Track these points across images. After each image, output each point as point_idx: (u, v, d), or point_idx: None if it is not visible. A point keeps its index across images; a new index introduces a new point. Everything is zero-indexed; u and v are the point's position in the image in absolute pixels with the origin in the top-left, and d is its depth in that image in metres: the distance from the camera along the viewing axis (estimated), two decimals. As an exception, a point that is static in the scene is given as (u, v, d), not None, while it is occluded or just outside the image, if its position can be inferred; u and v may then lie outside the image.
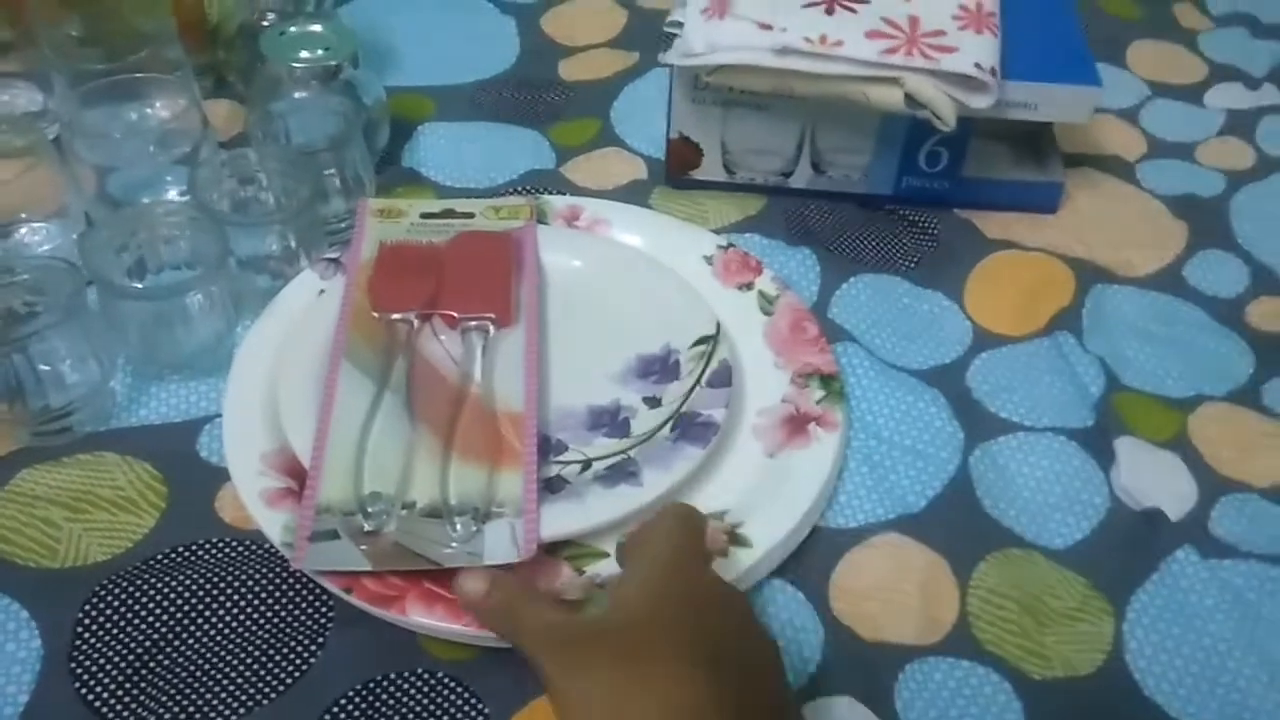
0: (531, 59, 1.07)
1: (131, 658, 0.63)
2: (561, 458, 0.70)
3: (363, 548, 0.63)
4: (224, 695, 0.62)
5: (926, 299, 0.85)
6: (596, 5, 1.14)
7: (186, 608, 0.65)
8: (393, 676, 0.63)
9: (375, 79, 0.93)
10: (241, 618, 0.65)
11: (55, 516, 0.69)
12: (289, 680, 0.63)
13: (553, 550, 0.65)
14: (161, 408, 0.76)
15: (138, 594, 0.65)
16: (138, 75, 0.86)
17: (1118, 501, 0.73)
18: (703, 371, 0.74)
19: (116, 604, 0.65)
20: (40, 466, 0.72)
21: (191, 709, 0.61)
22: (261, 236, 0.80)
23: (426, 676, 0.63)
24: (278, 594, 0.66)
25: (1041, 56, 0.85)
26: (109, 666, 0.63)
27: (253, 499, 0.67)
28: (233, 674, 0.63)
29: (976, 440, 0.76)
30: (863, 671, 0.64)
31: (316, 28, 0.89)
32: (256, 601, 0.66)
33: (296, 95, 0.87)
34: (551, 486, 0.68)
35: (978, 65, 0.80)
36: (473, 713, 0.62)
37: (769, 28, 0.81)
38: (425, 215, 0.83)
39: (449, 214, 0.83)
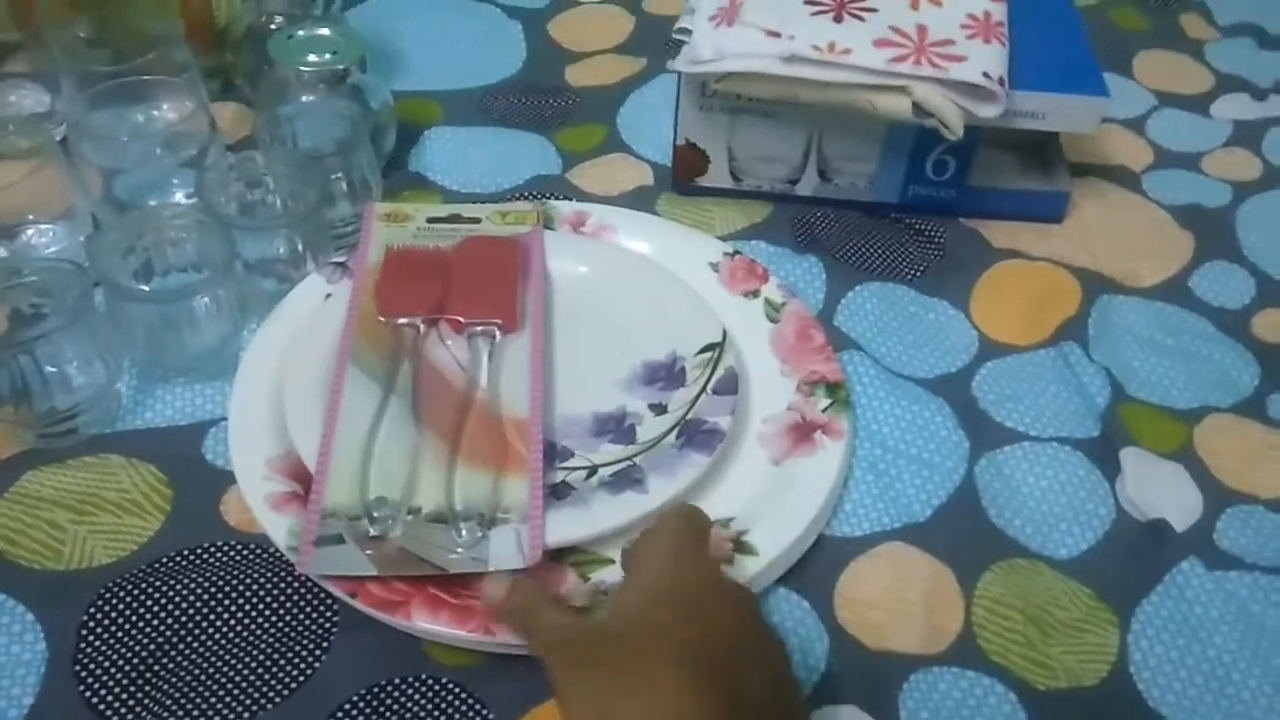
0: (538, 64, 1.07)
1: (136, 661, 0.63)
2: (567, 464, 0.70)
3: (368, 553, 0.63)
4: (228, 699, 0.62)
5: (932, 308, 0.85)
6: (604, 11, 1.14)
7: (191, 611, 0.65)
8: (397, 681, 0.63)
9: (382, 83, 0.93)
10: (246, 622, 0.65)
11: (60, 519, 0.69)
12: (293, 685, 0.63)
13: (558, 557, 0.65)
14: (167, 410, 0.76)
15: (142, 597, 0.65)
16: (145, 77, 0.86)
17: (1123, 512, 0.73)
18: (709, 379, 0.74)
19: (121, 607, 0.65)
20: (45, 468, 0.72)
21: (195, 713, 0.61)
22: (268, 240, 0.80)
23: (431, 682, 0.63)
24: (282, 598, 0.66)
25: (1049, 66, 0.85)
26: (113, 669, 0.63)
27: (258, 503, 0.67)
28: (237, 678, 0.63)
29: (982, 450, 0.76)
30: (867, 680, 0.64)
31: (324, 31, 0.90)
32: (261, 606, 0.66)
33: (304, 99, 0.87)
34: (557, 493, 0.68)
35: (986, 74, 0.80)
36: (476, 719, 0.62)
37: (777, 35, 0.81)
38: (432, 220, 0.83)
39: (455, 219, 0.83)
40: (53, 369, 0.71)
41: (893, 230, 0.91)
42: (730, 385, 0.74)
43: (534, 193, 0.92)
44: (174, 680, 0.62)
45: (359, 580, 0.63)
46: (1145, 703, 0.64)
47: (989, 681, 0.65)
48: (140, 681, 0.62)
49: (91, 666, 0.63)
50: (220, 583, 0.66)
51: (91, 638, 0.64)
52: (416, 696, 0.62)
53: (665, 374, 0.76)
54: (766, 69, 0.81)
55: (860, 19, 0.83)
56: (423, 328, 0.74)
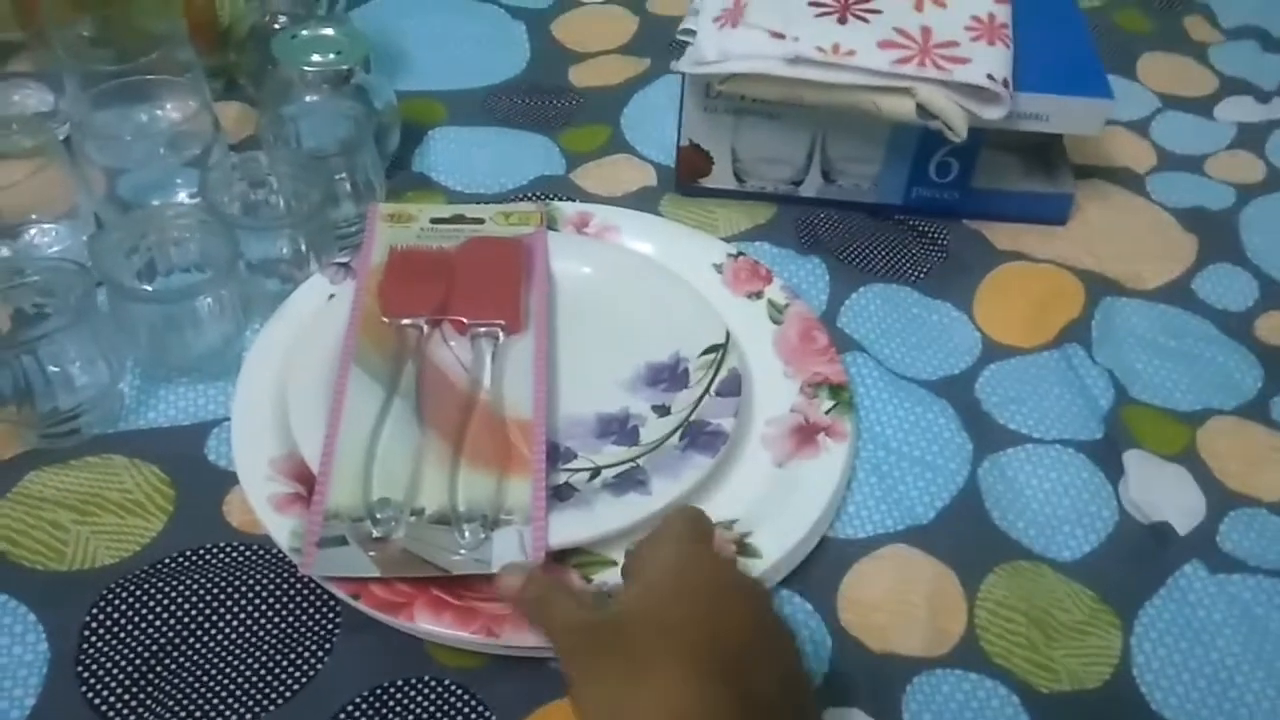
0: (542, 65, 1.07)
1: (138, 662, 0.63)
2: (570, 465, 0.70)
3: (371, 554, 0.63)
4: (230, 700, 0.62)
5: (936, 309, 0.85)
6: (607, 11, 1.14)
7: (194, 612, 0.65)
8: (400, 683, 0.63)
9: (386, 83, 0.93)
10: (249, 623, 0.65)
11: (63, 519, 0.69)
12: (296, 686, 0.63)
13: (561, 558, 0.65)
14: (170, 411, 0.76)
15: (145, 598, 0.65)
16: (149, 77, 0.86)
17: (1126, 515, 0.73)
18: (712, 380, 0.74)
19: (123, 608, 0.65)
20: (48, 469, 0.72)
21: (198, 714, 0.61)
22: (272, 240, 0.80)
23: (433, 683, 0.63)
24: (285, 599, 0.66)
25: (1053, 68, 0.85)
26: (115, 670, 0.63)
27: (261, 503, 0.67)
28: (239, 679, 0.63)
29: (985, 452, 0.76)
30: (871, 683, 0.64)
31: (328, 31, 0.90)
32: (264, 607, 0.66)
33: (308, 99, 0.87)
34: (560, 494, 0.68)
35: (990, 76, 0.80)
36: (479, 720, 0.62)
37: (781, 37, 0.81)
38: (435, 220, 0.83)
39: (459, 219, 0.83)
40: (55, 369, 0.71)
41: (896, 232, 0.91)
42: (733, 387, 0.73)
43: (537, 193, 0.92)
44: (176, 681, 0.62)
45: (362, 581, 0.63)
46: (1148, 705, 0.64)
47: (992, 684, 0.64)
48: (142, 682, 0.62)
49: (94, 667, 0.63)
50: (223, 584, 0.66)
51: (94, 638, 0.64)
52: (419, 698, 0.62)
53: (668, 375, 0.76)
54: (771, 70, 0.81)
55: (864, 20, 0.83)
56: (426, 328, 0.74)
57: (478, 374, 0.72)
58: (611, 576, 0.65)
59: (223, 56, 0.98)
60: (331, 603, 0.66)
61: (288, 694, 0.62)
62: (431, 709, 0.62)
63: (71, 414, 0.72)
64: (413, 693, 0.63)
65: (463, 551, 0.63)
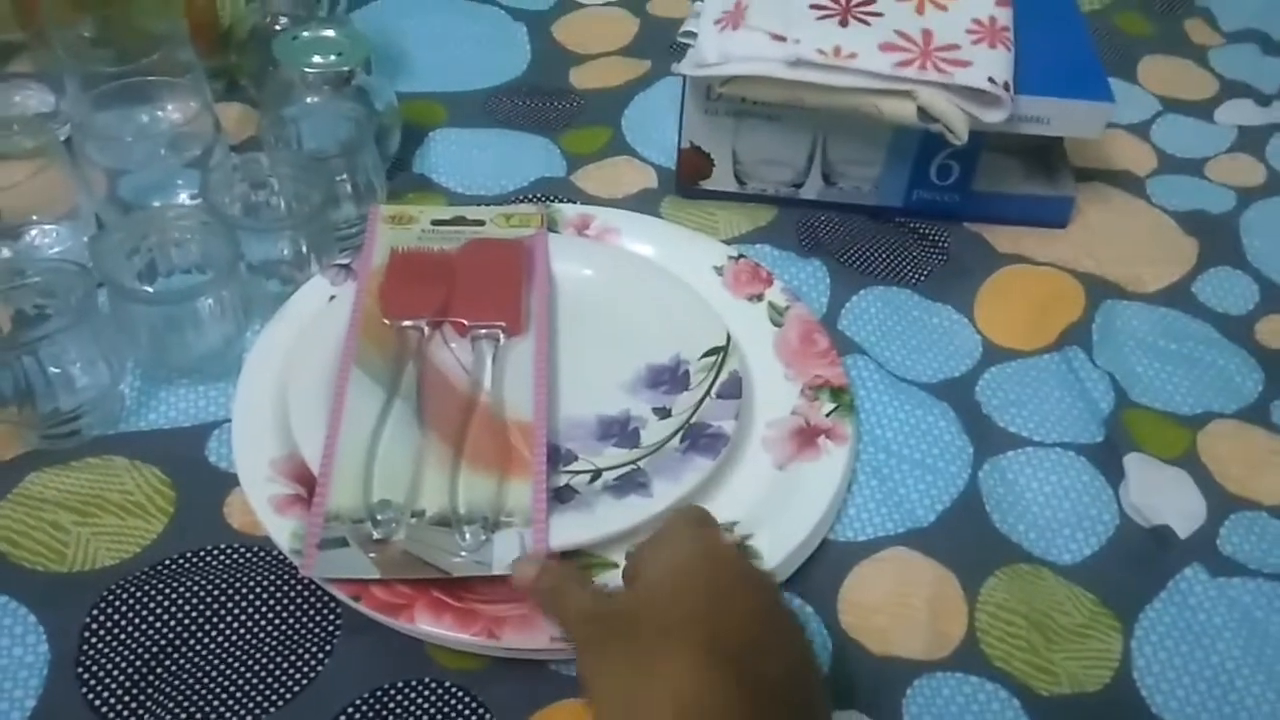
0: (543, 66, 1.07)
1: (139, 663, 0.63)
2: (571, 467, 0.70)
3: (371, 555, 0.63)
4: (231, 702, 0.62)
5: (936, 312, 0.85)
6: (608, 13, 1.14)
7: (194, 614, 0.65)
8: (400, 685, 0.63)
9: (387, 85, 0.93)
10: (249, 624, 0.65)
11: (63, 520, 0.69)
12: (296, 688, 0.63)
13: (562, 560, 0.65)
14: (171, 412, 0.76)
15: (145, 599, 0.65)
16: (149, 78, 0.86)
17: (1126, 518, 0.73)
18: (713, 382, 0.74)
19: (124, 609, 0.65)
20: (49, 470, 0.72)
21: (198, 715, 0.61)
22: (273, 241, 0.80)
23: (434, 685, 0.63)
24: (286, 601, 0.66)
25: (1054, 71, 0.85)
26: (116, 672, 0.63)
27: (262, 505, 0.67)
28: (240, 681, 0.63)
29: (986, 455, 0.76)
30: (871, 685, 0.64)
31: (329, 33, 0.89)
32: (264, 608, 0.66)
33: (309, 100, 0.87)
34: (561, 496, 0.68)
35: (991, 80, 0.80)
36: (480, 722, 0.62)
37: (782, 39, 0.81)
38: (436, 222, 0.83)
39: (460, 221, 0.83)
40: (56, 370, 0.71)
41: (897, 234, 0.91)
42: (734, 389, 0.73)
43: (538, 195, 0.92)
44: (176, 683, 0.62)
45: (362, 583, 0.63)
46: (1148, 709, 0.64)
47: (992, 687, 0.64)
48: (143, 684, 0.62)
49: (94, 669, 0.63)
50: (223, 585, 0.66)
51: (94, 640, 0.64)
52: (420, 700, 0.62)
53: (669, 377, 0.76)
54: (772, 73, 0.81)
55: (866, 23, 0.83)
56: (427, 330, 0.74)
57: (478, 376, 0.72)
58: (613, 579, 0.65)
59: (224, 58, 0.98)
60: (332, 604, 0.66)
61: (288, 695, 0.62)
62: (432, 711, 0.62)
63: (72, 415, 0.72)
64: (413, 694, 0.63)
65: (463, 553, 0.63)
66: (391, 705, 0.62)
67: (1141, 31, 1.16)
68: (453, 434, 0.68)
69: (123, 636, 0.64)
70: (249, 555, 0.68)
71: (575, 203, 0.90)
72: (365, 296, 0.76)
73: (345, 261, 0.80)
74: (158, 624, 0.64)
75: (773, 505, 0.69)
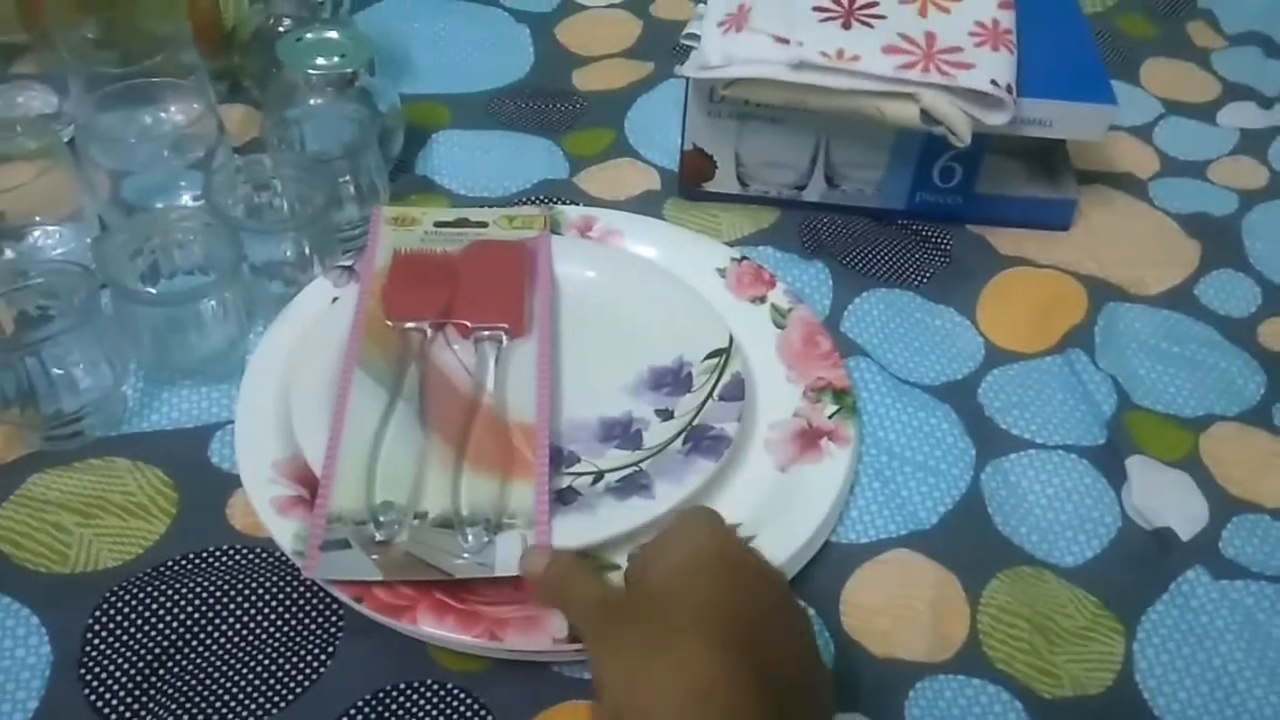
0: (546, 68, 1.07)
1: (141, 664, 0.63)
2: (573, 469, 0.70)
3: (374, 557, 0.63)
4: (233, 703, 0.62)
5: (939, 314, 0.85)
6: (611, 15, 1.14)
7: (196, 615, 0.65)
8: (402, 687, 0.63)
9: (391, 86, 0.93)
10: (252, 626, 0.65)
11: (66, 521, 0.69)
12: (299, 689, 0.63)
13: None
14: (173, 413, 0.76)
15: (148, 600, 0.65)
16: (153, 79, 0.86)
17: (1129, 521, 0.73)
18: (715, 384, 0.74)
19: (127, 610, 0.65)
20: (51, 471, 0.72)
21: (200, 717, 0.61)
22: (275, 243, 0.80)
23: (436, 687, 0.63)
24: (288, 602, 0.66)
25: (1056, 74, 0.85)
26: (118, 673, 0.63)
27: (264, 506, 0.67)
28: (242, 682, 0.63)
29: (988, 457, 0.76)
30: (873, 688, 0.64)
31: (332, 34, 0.89)
32: (267, 610, 0.66)
33: (312, 102, 0.87)
34: (563, 498, 0.68)
35: (994, 82, 0.80)
36: (482, 724, 0.62)
37: (785, 42, 0.81)
38: (439, 224, 0.83)
39: (463, 223, 0.83)
40: (59, 371, 0.71)
41: (899, 237, 0.91)
42: (737, 391, 0.73)
43: (541, 197, 0.92)
44: (179, 684, 0.62)
45: (365, 585, 0.63)
46: (1151, 711, 0.64)
47: (994, 689, 0.64)
48: (145, 685, 0.62)
49: (96, 670, 0.63)
50: (226, 586, 0.66)
51: (96, 641, 0.64)
52: (422, 702, 0.62)
53: (672, 379, 0.76)
54: (775, 75, 0.81)
55: (869, 26, 0.83)
56: (429, 332, 0.74)
57: (481, 377, 0.72)
58: (615, 580, 0.65)
59: (227, 59, 0.98)
60: (334, 606, 0.66)
61: (290, 697, 0.62)
62: (434, 712, 0.62)
63: (75, 416, 0.72)
64: (415, 696, 0.63)
65: (466, 555, 0.63)
66: (394, 707, 0.62)
67: (1144, 34, 1.16)
68: (455, 435, 0.68)
69: (125, 638, 0.64)
70: (251, 557, 0.68)
71: (578, 204, 0.90)
72: (368, 298, 0.76)
73: (348, 263, 0.81)
74: (160, 625, 0.64)
75: (775, 507, 0.69)
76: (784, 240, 0.90)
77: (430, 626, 0.62)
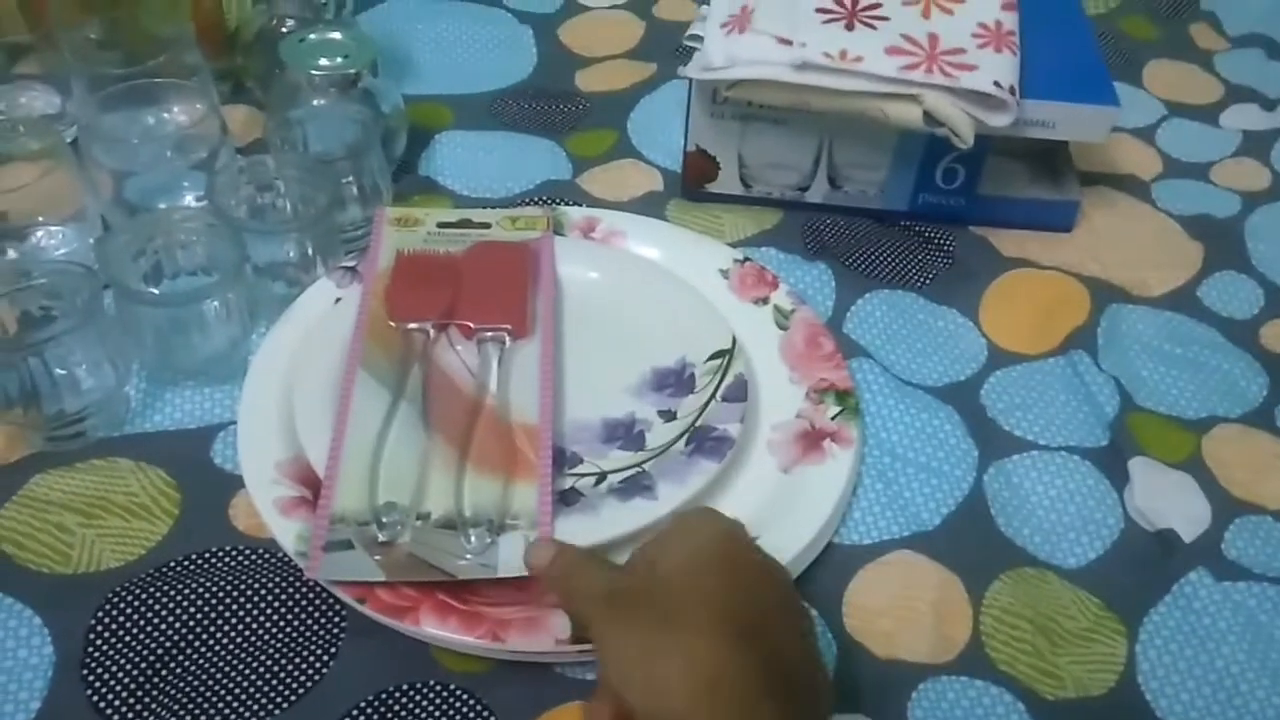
0: (549, 69, 1.07)
1: (144, 665, 0.63)
2: (576, 470, 0.70)
3: (377, 558, 0.63)
4: (235, 704, 0.62)
5: (942, 316, 0.85)
6: (614, 16, 1.14)
7: (199, 616, 0.65)
8: (405, 688, 0.63)
9: (394, 87, 0.93)
10: (254, 626, 0.65)
11: (69, 522, 0.69)
12: (301, 690, 0.63)
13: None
14: (176, 414, 0.76)
15: (150, 601, 0.65)
16: (156, 80, 0.86)
17: (1131, 522, 0.73)
18: (718, 385, 0.74)
19: (129, 611, 0.65)
20: (54, 471, 0.72)
21: (203, 717, 0.61)
22: (278, 243, 0.80)
23: (439, 688, 0.63)
24: (290, 603, 0.66)
25: (1059, 75, 0.84)
26: (121, 674, 0.63)
27: (267, 507, 0.67)
28: (245, 683, 0.63)
29: (991, 458, 0.76)
30: (876, 689, 0.64)
31: (336, 35, 0.90)
32: (269, 610, 0.66)
33: (315, 102, 0.87)
34: (566, 499, 0.68)
35: (997, 84, 0.80)
36: (484, 725, 0.62)
37: (789, 43, 0.81)
38: (442, 225, 0.83)
39: (466, 224, 0.83)
40: (62, 371, 0.71)
41: (902, 238, 0.91)
42: (739, 392, 0.73)
43: (544, 198, 0.92)
44: (181, 685, 0.62)
45: (367, 585, 0.63)
46: (1153, 713, 0.64)
47: (997, 691, 0.64)
48: (148, 686, 0.62)
49: (99, 671, 0.63)
50: (228, 587, 0.66)
51: (99, 641, 0.64)
52: (424, 703, 0.62)
53: (675, 380, 0.76)
54: (778, 76, 0.81)
55: (872, 27, 0.83)
56: (432, 333, 0.74)
57: (484, 378, 0.72)
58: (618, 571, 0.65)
59: (230, 60, 0.99)
60: (337, 607, 0.66)
61: (293, 698, 0.62)
62: (437, 714, 0.62)
63: (77, 417, 0.72)
64: (418, 697, 0.63)
65: (468, 556, 0.63)
66: (396, 708, 0.62)
67: (1147, 36, 1.16)
68: (458, 436, 0.68)
69: (127, 638, 0.64)
70: (254, 557, 0.68)
71: (581, 205, 0.90)
72: (371, 299, 0.76)
73: (351, 264, 0.81)
74: (162, 626, 0.64)
75: (778, 508, 0.69)
76: (787, 241, 0.90)
77: (433, 627, 0.62)
